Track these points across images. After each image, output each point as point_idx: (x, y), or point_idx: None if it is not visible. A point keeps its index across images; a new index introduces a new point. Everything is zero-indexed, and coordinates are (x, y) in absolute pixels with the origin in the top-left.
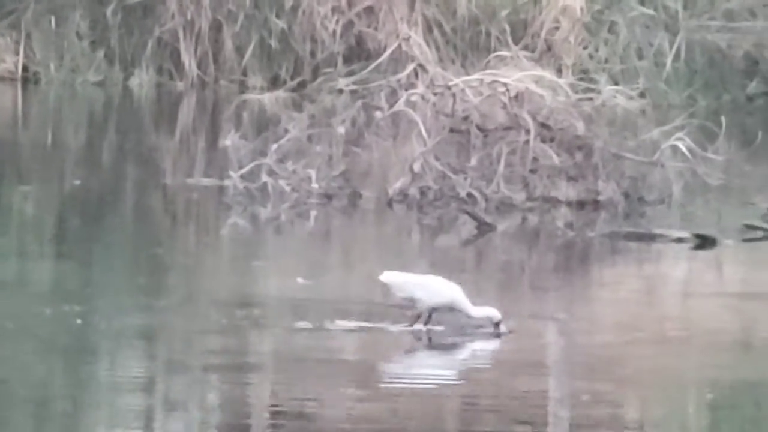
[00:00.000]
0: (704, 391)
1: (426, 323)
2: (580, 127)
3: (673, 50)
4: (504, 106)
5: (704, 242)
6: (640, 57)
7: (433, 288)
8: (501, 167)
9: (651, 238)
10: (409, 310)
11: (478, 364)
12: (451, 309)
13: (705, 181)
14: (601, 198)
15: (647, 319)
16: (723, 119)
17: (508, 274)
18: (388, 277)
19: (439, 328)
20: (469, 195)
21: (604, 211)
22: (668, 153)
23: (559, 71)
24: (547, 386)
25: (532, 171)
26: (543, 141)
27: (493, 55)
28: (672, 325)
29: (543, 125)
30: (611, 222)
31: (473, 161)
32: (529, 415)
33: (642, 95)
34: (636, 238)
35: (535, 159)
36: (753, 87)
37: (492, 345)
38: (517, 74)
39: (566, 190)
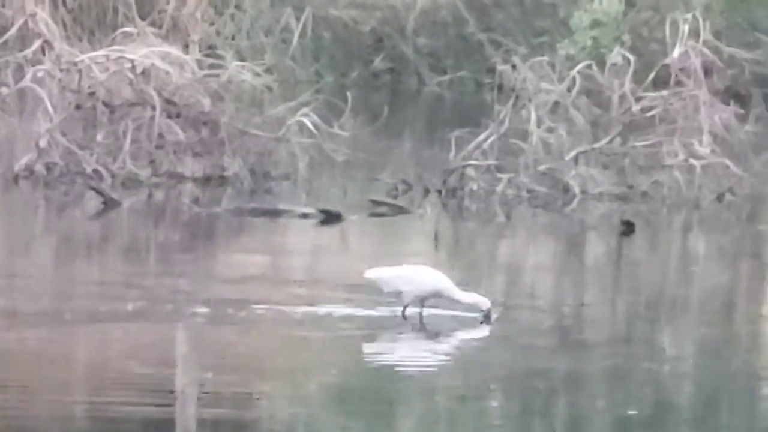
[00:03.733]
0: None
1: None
2: (206, 103)
3: (300, 26)
4: (130, 83)
5: (330, 218)
6: (267, 33)
7: (418, 279)
8: (127, 143)
9: (276, 213)
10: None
11: None
12: (439, 296)
13: (331, 157)
14: (227, 173)
15: (275, 295)
16: (349, 95)
17: (135, 251)
18: (373, 273)
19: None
20: (96, 171)
21: (230, 187)
22: (294, 129)
23: (185, 47)
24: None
25: (158, 147)
26: (169, 117)
27: (119, 31)
28: (296, 301)
29: (169, 101)
30: (237, 197)
31: (99, 137)
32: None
33: (268, 71)
34: (261, 213)
35: (161, 135)
36: (378, 63)
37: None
38: (143, 50)
39: (192, 166)
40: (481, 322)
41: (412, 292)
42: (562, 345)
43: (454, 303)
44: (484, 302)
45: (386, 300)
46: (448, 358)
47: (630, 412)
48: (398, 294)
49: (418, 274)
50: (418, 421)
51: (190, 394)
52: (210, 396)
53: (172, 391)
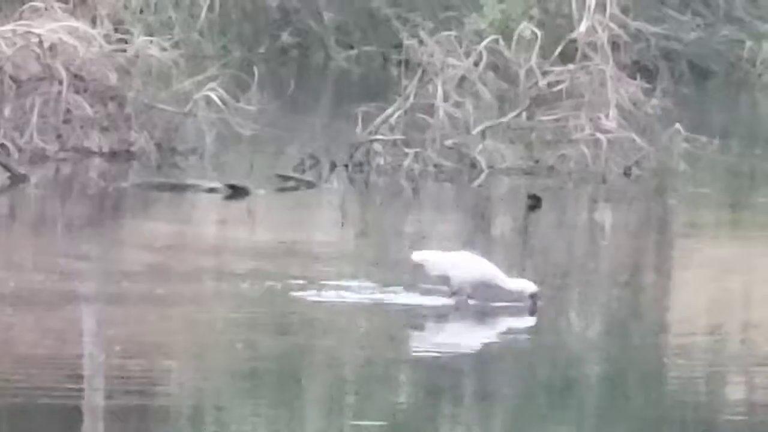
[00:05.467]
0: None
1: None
2: (114, 78)
3: (208, 1)
4: (37, 57)
5: (237, 192)
6: (175, 8)
7: (466, 265)
8: (34, 118)
9: (183, 188)
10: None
11: None
12: (485, 283)
13: (238, 132)
14: (133, 148)
15: (180, 271)
16: (256, 70)
17: (42, 225)
18: (420, 256)
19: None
20: (2, 145)
21: (136, 162)
22: (201, 103)
23: (93, 22)
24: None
25: (66, 121)
26: (76, 92)
27: (27, 5)
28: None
29: (76, 76)
30: (144, 172)
31: (6, 112)
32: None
33: (176, 46)
34: (168, 188)
35: (68, 110)
36: (286, 37)
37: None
38: (50, 25)
39: (99, 141)
40: (531, 313)
41: (459, 277)
42: (466, 318)
43: (500, 291)
44: (531, 287)
45: (287, 273)
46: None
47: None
48: (446, 279)
49: (466, 260)
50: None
51: (96, 374)
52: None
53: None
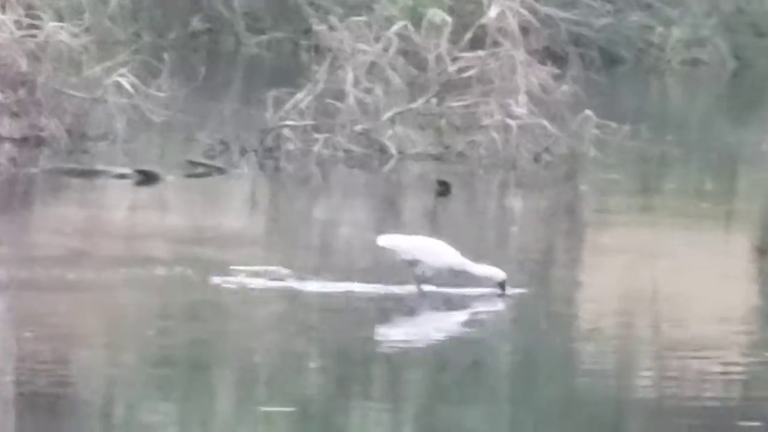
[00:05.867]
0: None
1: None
2: (24, 64)
3: None
4: None
5: (147, 178)
6: None
7: (436, 250)
8: None
9: (94, 174)
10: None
11: None
12: (454, 270)
13: (148, 118)
14: (43, 134)
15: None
16: (166, 56)
17: None
18: (387, 240)
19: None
20: None
21: (46, 147)
22: (112, 89)
23: (3, 7)
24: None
25: None
26: None
27: None
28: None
29: None
30: (54, 158)
31: None
32: None
33: (87, 31)
34: (78, 174)
35: None
36: (197, 23)
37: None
38: None
39: (9, 126)
40: (498, 295)
41: (428, 262)
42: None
43: (468, 277)
44: (499, 274)
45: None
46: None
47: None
48: (415, 263)
49: (435, 246)
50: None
51: (6, 360)
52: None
53: None
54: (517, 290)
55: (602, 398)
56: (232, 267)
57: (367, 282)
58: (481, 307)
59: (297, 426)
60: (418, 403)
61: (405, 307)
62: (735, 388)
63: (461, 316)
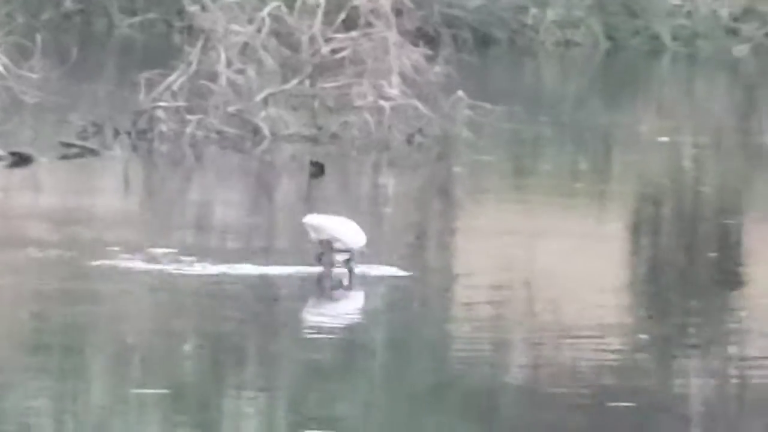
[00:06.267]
0: None
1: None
2: None
3: None
4: None
5: (20, 160)
6: None
7: (358, 231)
8: None
9: None
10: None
11: None
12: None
13: (21, 99)
14: None
15: None
16: (39, 37)
17: None
18: (315, 219)
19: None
20: None
21: None
22: None
23: None
24: None
25: None
26: None
27: None
28: None
29: None
30: None
31: None
32: None
33: None
34: None
35: None
36: (69, 4)
37: None
38: None
39: None
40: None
41: (355, 243)
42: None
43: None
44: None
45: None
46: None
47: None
48: (335, 241)
49: (356, 228)
50: None
51: None
52: None
53: None
54: (393, 271)
55: (475, 381)
56: (107, 248)
57: (244, 263)
58: (368, 289)
59: (170, 408)
60: (290, 387)
61: (282, 289)
62: (608, 369)
63: (344, 297)
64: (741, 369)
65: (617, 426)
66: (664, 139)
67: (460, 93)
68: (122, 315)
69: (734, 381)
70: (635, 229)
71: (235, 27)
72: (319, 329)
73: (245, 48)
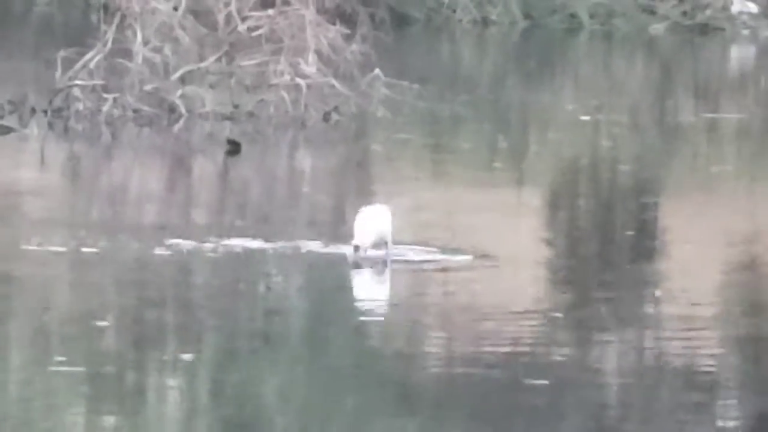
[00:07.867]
0: None
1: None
2: None
3: None
4: None
5: None
6: None
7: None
8: None
9: None
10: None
11: None
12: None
13: None
14: None
15: None
16: None
17: None
18: (373, 228)
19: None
20: None
21: None
22: None
23: None
24: None
25: None
26: None
27: None
28: None
29: None
30: None
31: None
32: None
33: None
34: None
35: None
36: None
37: None
38: None
39: None
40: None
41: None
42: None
43: None
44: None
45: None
46: None
47: None
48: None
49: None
50: None
51: None
52: None
53: None
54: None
55: (391, 359)
56: (25, 227)
57: (165, 240)
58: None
59: (87, 385)
60: (211, 364)
61: (205, 265)
62: (522, 347)
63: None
64: (656, 344)
65: (533, 403)
66: (586, 117)
67: (377, 71)
68: (37, 293)
69: (649, 356)
70: (553, 207)
71: (152, 5)
72: (238, 307)
73: (162, 26)
